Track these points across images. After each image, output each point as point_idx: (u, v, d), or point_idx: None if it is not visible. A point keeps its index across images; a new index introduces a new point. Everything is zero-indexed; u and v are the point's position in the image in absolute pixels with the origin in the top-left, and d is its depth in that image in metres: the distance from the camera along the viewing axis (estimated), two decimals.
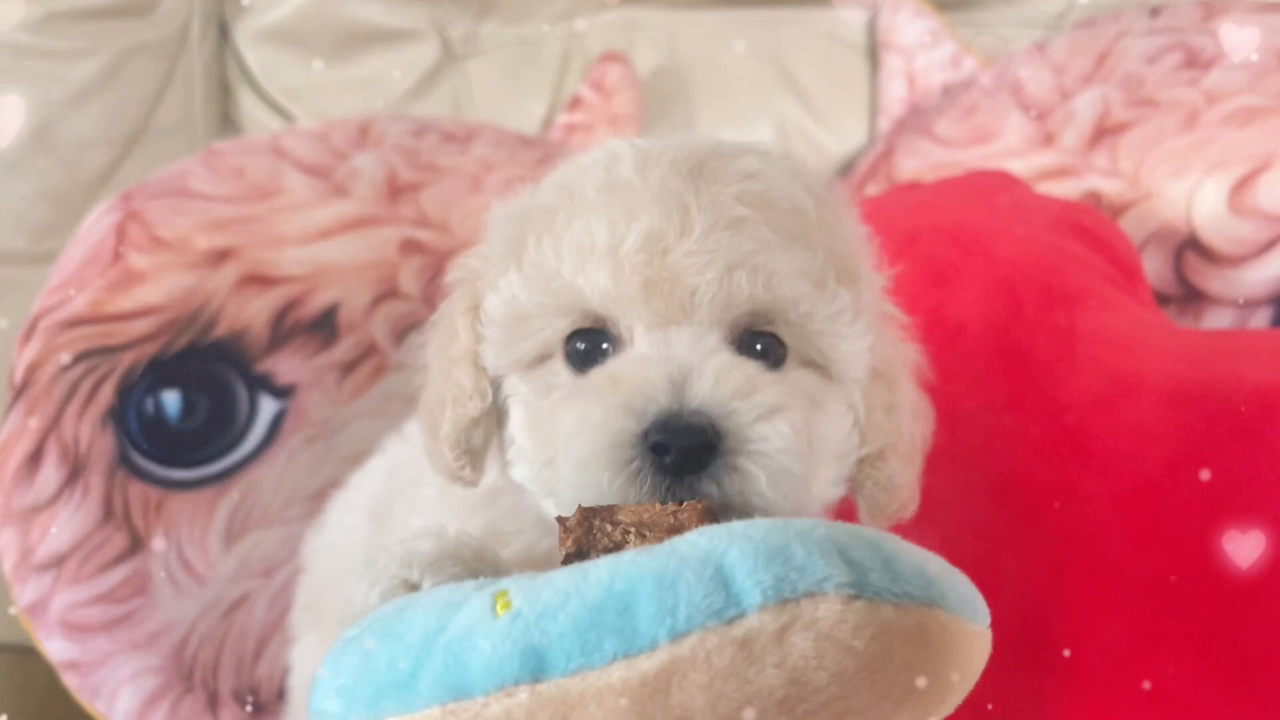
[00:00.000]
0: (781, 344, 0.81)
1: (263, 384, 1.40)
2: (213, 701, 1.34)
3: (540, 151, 1.66)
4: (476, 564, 0.77)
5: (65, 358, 1.36)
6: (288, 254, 1.43)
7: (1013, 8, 1.88)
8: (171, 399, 1.38)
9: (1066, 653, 1.01)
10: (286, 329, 1.41)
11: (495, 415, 0.87)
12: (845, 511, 0.89)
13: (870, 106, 1.88)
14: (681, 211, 0.78)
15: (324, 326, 1.42)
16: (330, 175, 1.51)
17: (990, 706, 0.94)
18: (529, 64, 1.93)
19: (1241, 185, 1.39)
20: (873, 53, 1.89)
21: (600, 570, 0.65)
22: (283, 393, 1.40)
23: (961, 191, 1.41)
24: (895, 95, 1.82)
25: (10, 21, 1.69)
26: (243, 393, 1.39)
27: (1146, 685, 0.99)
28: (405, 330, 1.44)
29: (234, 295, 1.40)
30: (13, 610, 1.34)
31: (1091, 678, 1.01)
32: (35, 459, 1.35)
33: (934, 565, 0.68)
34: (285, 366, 1.40)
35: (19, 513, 1.34)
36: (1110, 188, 1.47)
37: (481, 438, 0.87)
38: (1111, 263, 1.30)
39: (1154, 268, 1.41)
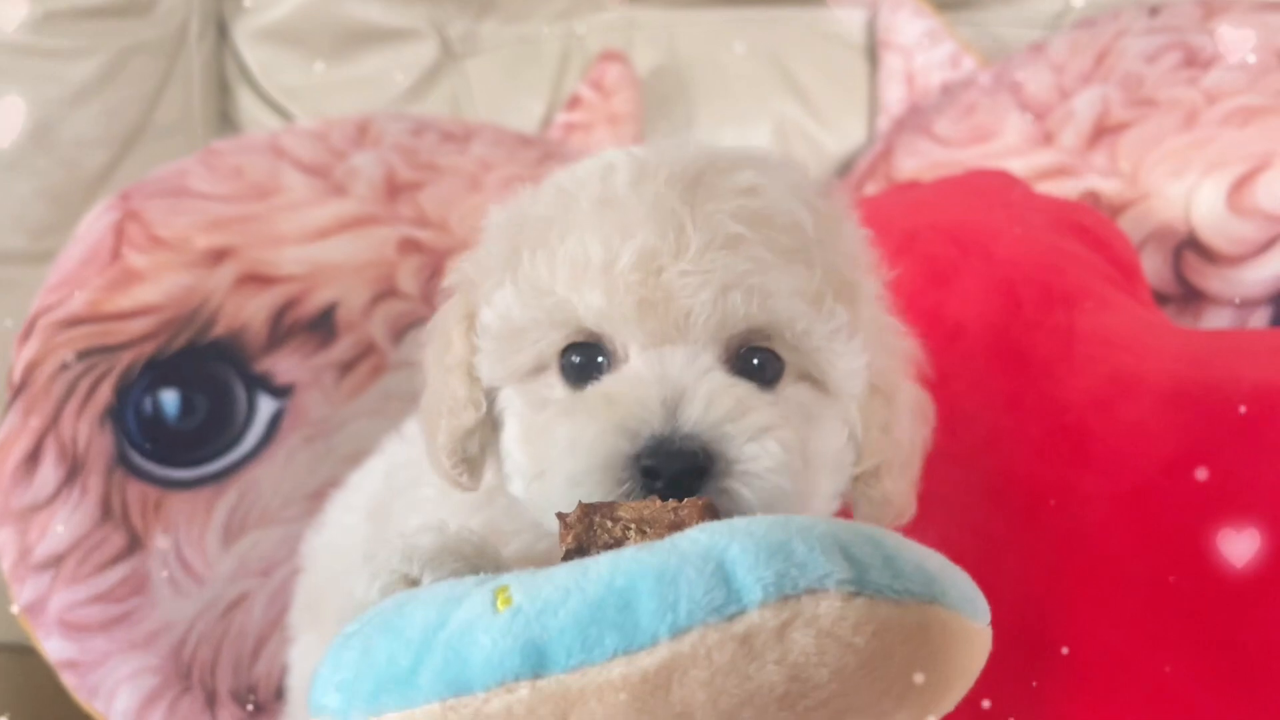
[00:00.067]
0: (778, 359, 0.81)
1: (261, 383, 1.40)
2: (211, 701, 1.34)
3: (539, 151, 1.66)
4: (477, 560, 0.77)
5: (69, 357, 1.36)
6: (286, 253, 1.43)
7: (1012, 7, 1.88)
8: (170, 398, 1.38)
9: (1065, 650, 1.01)
10: (285, 328, 1.41)
11: (491, 424, 0.86)
12: (843, 512, 0.89)
13: (869, 106, 1.88)
14: (676, 229, 0.78)
15: (322, 326, 1.42)
16: (329, 174, 1.51)
17: (989, 705, 0.94)
18: (528, 63, 1.93)
19: (1241, 184, 1.39)
20: (872, 52, 1.90)
21: (601, 566, 0.65)
22: (281, 392, 1.40)
23: (961, 191, 1.41)
24: (894, 95, 1.82)
25: (14, 22, 1.69)
26: (241, 392, 1.39)
27: (1145, 684, 0.99)
28: (404, 329, 1.43)
29: (232, 294, 1.40)
30: (15, 609, 1.34)
31: (1090, 677, 1.00)
32: (34, 458, 1.35)
33: (935, 562, 0.68)
34: (284, 366, 1.40)
35: (17, 512, 1.34)
36: (1109, 187, 1.47)
37: (477, 446, 0.87)
38: (1111, 262, 1.30)
39: (1153, 267, 1.41)
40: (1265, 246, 1.37)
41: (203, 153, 1.55)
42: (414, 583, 0.76)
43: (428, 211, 1.50)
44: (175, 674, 1.34)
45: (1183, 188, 1.42)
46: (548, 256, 0.81)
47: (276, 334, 1.40)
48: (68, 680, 1.34)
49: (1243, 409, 1.02)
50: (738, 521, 0.66)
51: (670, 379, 0.77)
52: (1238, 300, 1.38)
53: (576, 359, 0.81)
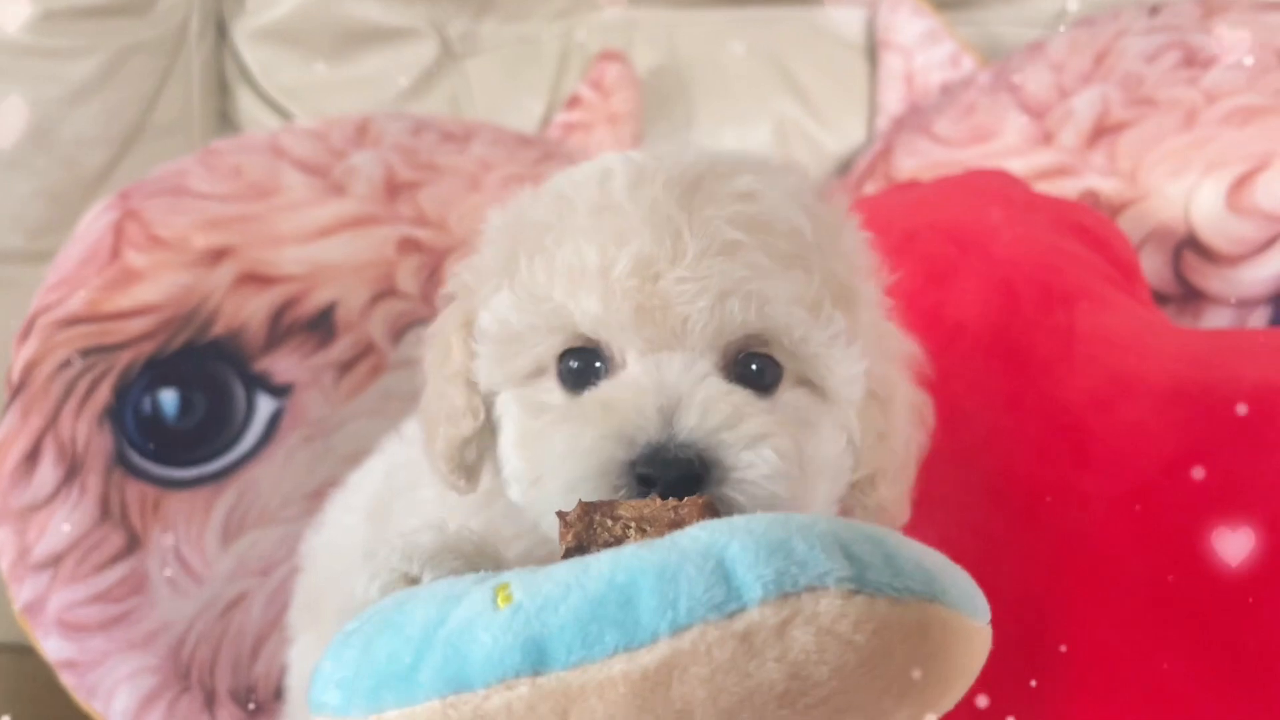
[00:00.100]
0: (777, 365, 0.81)
1: (260, 383, 1.40)
2: (210, 701, 1.34)
3: (539, 150, 1.66)
4: (477, 559, 0.77)
5: (72, 357, 1.36)
6: (285, 253, 1.43)
7: (1011, 7, 1.88)
8: (169, 398, 1.38)
9: (1064, 649, 1.01)
10: (284, 328, 1.41)
11: (489, 428, 0.86)
12: (841, 512, 0.89)
13: (869, 105, 1.88)
14: (673, 236, 0.77)
15: (322, 325, 1.42)
16: (328, 174, 1.51)
17: (988, 703, 0.94)
18: (527, 63, 1.93)
19: (1240, 184, 1.39)
20: (871, 52, 1.89)
21: (601, 563, 0.65)
22: (280, 391, 1.40)
23: (960, 190, 1.41)
24: (894, 94, 1.82)
25: (17, 23, 1.69)
26: (240, 392, 1.39)
27: (1144, 683, 0.99)
28: (403, 329, 1.43)
29: (231, 294, 1.40)
30: (17, 607, 1.34)
31: (1089, 676, 1.00)
32: (32, 458, 1.34)
33: (935, 561, 0.68)
34: (283, 365, 1.40)
35: (16, 511, 1.34)
36: (1109, 187, 1.47)
37: (475, 454, 0.87)
38: (1110, 262, 1.29)
39: (1152, 267, 1.41)
40: (1264, 246, 1.37)
41: (202, 152, 1.55)
42: (414, 581, 0.76)
43: (427, 211, 1.50)
44: (174, 674, 1.34)
45: (1182, 187, 1.42)
46: (545, 262, 0.80)
47: (275, 333, 1.40)
48: (67, 680, 1.34)
49: (1242, 409, 1.02)
50: (738, 520, 0.66)
51: (667, 386, 0.77)
52: (1236, 300, 1.38)
53: (574, 364, 0.81)
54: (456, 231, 1.48)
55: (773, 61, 1.91)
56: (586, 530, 0.70)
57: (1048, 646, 1.01)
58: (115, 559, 1.34)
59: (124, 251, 1.40)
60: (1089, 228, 1.33)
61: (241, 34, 1.92)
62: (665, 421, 0.75)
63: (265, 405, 1.39)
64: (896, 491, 0.88)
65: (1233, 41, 1.46)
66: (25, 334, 1.38)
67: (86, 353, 1.36)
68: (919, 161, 1.63)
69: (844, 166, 1.85)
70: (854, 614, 0.62)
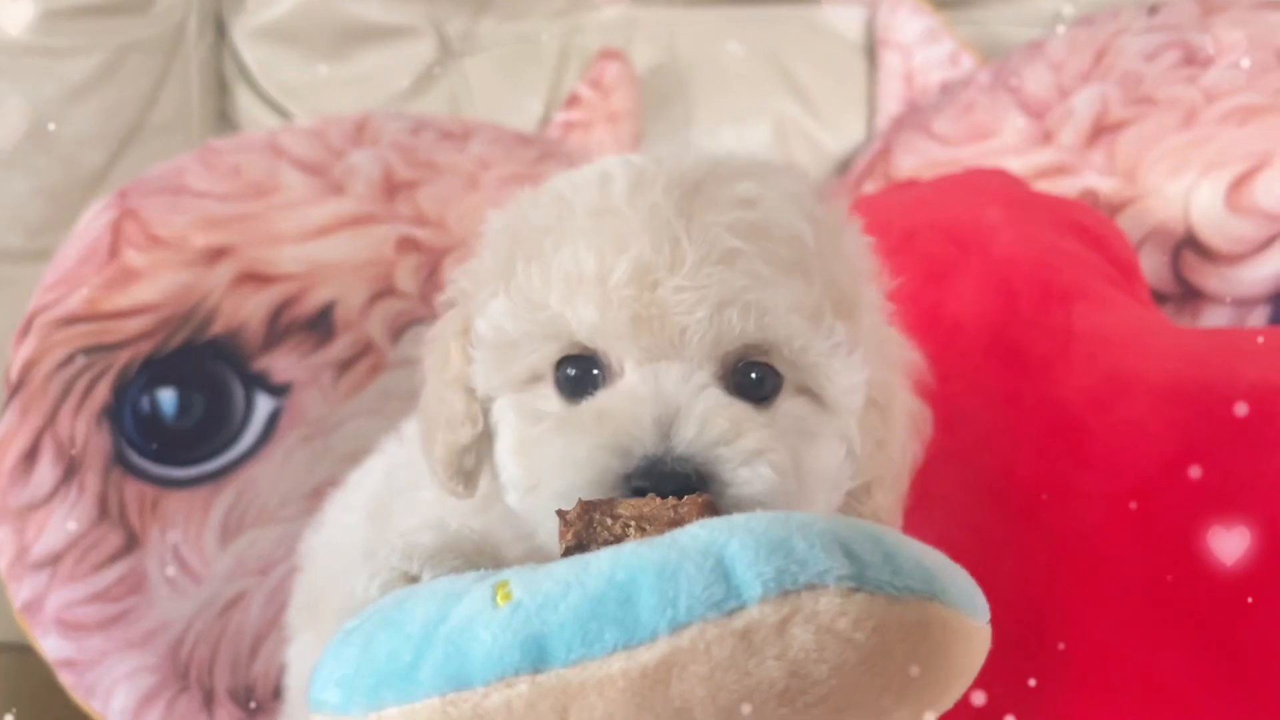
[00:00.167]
0: (776, 374, 0.80)
1: (259, 382, 1.39)
2: (208, 700, 1.34)
3: (538, 149, 1.66)
4: (476, 558, 0.77)
5: (74, 354, 1.36)
6: (284, 252, 1.43)
7: (1011, 6, 1.88)
8: (167, 397, 1.38)
9: (1062, 648, 1.01)
10: (283, 327, 1.41)
11: (487, 437, 0.86)
12: None
13: (868, 104, 1.88)
14: (672, 243, 0.76)
15: (320, 324, 1.42)
16: (327, 173, 1.51)
17: (987, 702, 0.94)
18: (526, 61, 1.93)
19: (1239, 183, 1.39)
20: (871, 50, 1.89)
21: (601, 561, 0.65)
22: (279, 391, 1.40)
23: (959, 189, 1.41)
24: (893, 93, 1.82)
25: (19, 23, 1.69)
26: (239, 391, 1.39)
27: (1143, 682, 0.99)
28: (402, 328, 1.43)
29: (230, 293, 1.40)
30: (16, 606, 1.34)
31: (1088, 675, 1.01)
32: (31, 457, 1.34)
33: (934, 560, 0.69)
34: (281, 364, 1.40)
35: (14, 511, 1.34)
36: (1108, 186, 1.47)
37: (474, 460, 0.86)
38: (1109, 261, 1.30)
39: (1151, 266, 1.41)
40: (1264, 245, 1.37)
41: (201, 151, 1.54)
42: (414, 580, 0.75)
43: (426, 210, 1.50)
44: (173, 673, 1.34)
45: (1181, 186, 1.42)
46: (542, 267, 0.80)
47: (274, 333, 1.40)
48: (65, 679, 1.34)
49: (1241, 408, 1.02)
50: (737, 518, 0.66)
51: (665, 397, 0.76)
52: (1235, 299, 1.38)
53: (571, 371, 0.80)
54: (455, 230, 1.48)
55: (772, 60, 1.90)
56: (586, 529, 0.70)
57: (1046, 645, 1.01)
58: (114, 558, 1.34)
59: (122, 250, 1.40)
60: (1088, 227, 1.33)
61: (240, 33, 1.92)
62: (662, 434, 0.75)
63: (264, 404, 1.39)
64: (891, 499, 0.88)
65: (1232, 41, 1.46)
66: (24, 333, 1.38)
67: (86, 351, 1.36)
68: (918, 160, 1.63)
69: (843, 165, 1.85)
70: (854, 612, 0.62)
